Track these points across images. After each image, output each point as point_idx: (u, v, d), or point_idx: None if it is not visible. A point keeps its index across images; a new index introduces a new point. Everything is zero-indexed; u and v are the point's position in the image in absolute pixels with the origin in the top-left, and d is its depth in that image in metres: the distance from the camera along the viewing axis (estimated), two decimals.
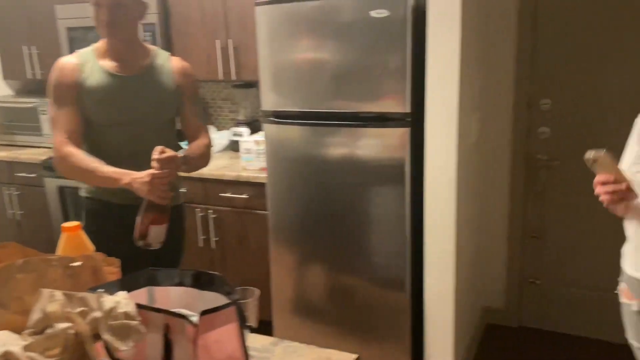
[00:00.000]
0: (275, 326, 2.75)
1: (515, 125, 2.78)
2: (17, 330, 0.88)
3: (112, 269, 1.06)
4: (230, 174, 2.82)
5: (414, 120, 2.24)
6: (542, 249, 2.87)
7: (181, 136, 2.06)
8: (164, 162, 1.65)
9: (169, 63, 1.95)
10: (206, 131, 2.06)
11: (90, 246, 1.38)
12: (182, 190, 2.09)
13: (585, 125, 2.65)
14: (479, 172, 2.73)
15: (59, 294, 0.84)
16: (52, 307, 0.81)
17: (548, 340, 2.87)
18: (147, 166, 1.71)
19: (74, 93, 1.79)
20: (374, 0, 2.16)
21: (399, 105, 2.22)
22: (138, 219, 1.67)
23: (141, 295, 1.04)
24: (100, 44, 1.86)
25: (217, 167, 2.93)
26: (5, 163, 3.53)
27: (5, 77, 3.75)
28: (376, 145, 2.31)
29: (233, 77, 3.00)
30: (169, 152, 1.67)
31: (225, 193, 2.85)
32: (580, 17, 2.57)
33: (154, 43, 3.08)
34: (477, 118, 2.53)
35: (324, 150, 2.42)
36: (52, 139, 1.85)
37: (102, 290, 0.93)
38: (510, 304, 2.99)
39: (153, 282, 1.04)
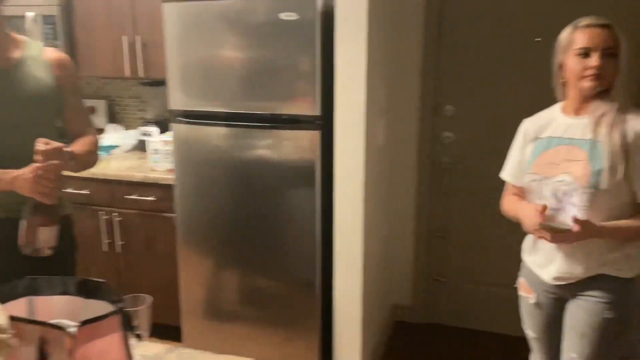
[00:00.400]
0: (184, 331, 2.68)
1: (421, 130, 2.89)
2: None
3: None
4: (137, 174, 2.71)
5: (325, 123, 2.27)
6: (447, 247, 3.01)
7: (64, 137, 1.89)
8: (49, 154, 1.49)
9: (43, 55, 1.76)
10: (93, 128, 1.90)
11: None
12: (69, 199, 1.90)
13: (486, 130, 2.80)
14: (386, 175, 2.82)
15: None
16: None
17: (455, 336, 3.00)
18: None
19: None
20: (283, 2, 2.17)
21: (310, 108, 2.24)
22: (23, 223, 1.51)
23: (20, 305, 0.97)
24: None
25: (124, 167, 2.81)
26: None
27: None
28: (287, 147, 2.31)
29: (141, 74, 2.89)
30: (54, 144, 1.50)
31: (131, 195, 2.74)
32: (483, 27, 2.73)
33: (54, 37, 2.91)
34: (384, 122, 2.61)
35: (234, 152, 2.39)
36: None
37: None
38: (417, 301, 3.10)
39: (34, 291, 0.97)
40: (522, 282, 1.76)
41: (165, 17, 2.37)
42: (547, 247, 1.61)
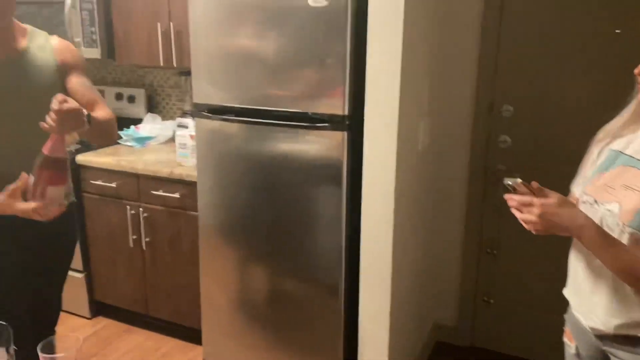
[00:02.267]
0: (204, 333, 2.55)
1: (474, 133, 2.56)
2: None
3: None
4: (163, 170, 2.58)
5: (353, 123, 2.02)
6: (497, 266, 2.67)
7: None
8: (64, 115, 1.37)
9: (48, 43, 1.71)
10: (104, 104, 1.78)
11: None
12: (72, 196, 1.83)
13: (549, 134, 2.44)
14: (429, 183, 2.52)
15: None
16: None
17: None
18: (30, 168, 1.45)
19: None
20: None
21: (337, 105, 2.00)
22: (31, 179, 1.41)
23: None
24: None
25: (152, 161, 2.69)
26: None
27: None
28: (312, 146, 2.09)
29: (175, 63, 2.76)
30: (72, 103, 1.39)
31: (157, 191, 2.62)
32: (551, 15, 2.35)
33: (92, 25, 2.83)
34: (426, 123, 2.31)
35: (257, 149, 2.19)
36: None
37: None
38: (461, 322, 2.80)
39: None
40: (566, 329, 1.44)
41: (190, 4, 2.20)
42: (586, 286, 1.29)
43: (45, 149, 1.37)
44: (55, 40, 1.74)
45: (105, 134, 1.74)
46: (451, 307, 2.81)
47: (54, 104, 1.35)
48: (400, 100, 1.89)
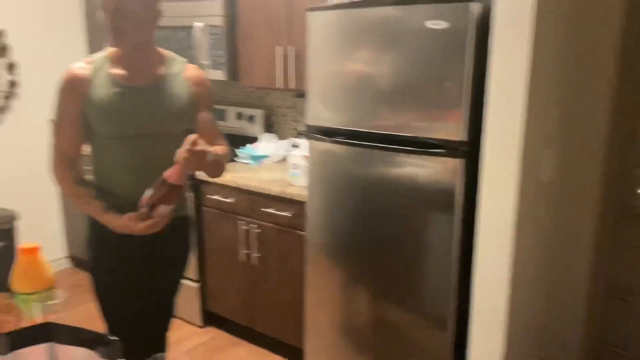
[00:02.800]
0: (307, 353, 2.54)
1: (608, 164, 2.31)
2: None
3: (8, 318, 0.90)
4: (275, 188, 2.64)
5: (471, 150, 1.92)
6: (629, 313, 2.38)
7: None
8: (194, 154, 1.49)
9: (183, 72, 1.80)
10: (224, 140, 1.89)
11: (46, 272, 1.26)
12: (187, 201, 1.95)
13: None
14: (554, 217, 2.31)
15: None
16: None
17: None
18: (151, 182, 1.58)
19: (78, 106, 1.69)
20: (433, 9, 1.87)
21: (454, 132, 1.91)
22: (148, 192, 1.57)
23: (39, 353, 0.87)
24: (114, 50, 1.73)
25: (266, 179, 2.77)
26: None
27: None
28: (424, 171, 2.01)
29: (292, 85, 2.83)
30: (202, 146, 1.49)
31: (269, 208, 2.68)
32: None
33: (218, 47, 3.00)
34: (553, 153, 2.12)
35: (368, 172, 2.16)
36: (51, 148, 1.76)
37: None
38: None
39: (51, 338, 0.87)
40: None
41: (310, 26, 2.24)
42: None
43: (167, 175, 1.47)
44: (191, 70, 1.83)
45: (217, 169, 1.84)
46: (572, 354, 2.54)
47: (187, 144, 1.44)
48: (523, 127, 1.75)
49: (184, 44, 3.06)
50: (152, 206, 1.56)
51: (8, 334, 0.85)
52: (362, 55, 2.10)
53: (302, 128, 3.12)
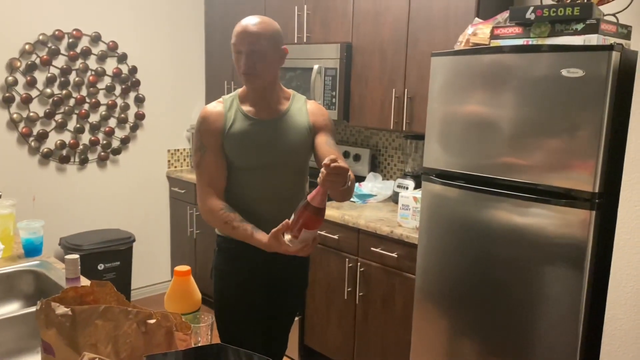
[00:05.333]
0: None
1: None
2: None
3: (183, 336, 0.97)
4: (384, 228, 2.65)
5: (604, 202, 1.83)
6: None
7: None
8: (333, 171, 1.50)
9: (305, 106, 1.92)
10: (345, 163, 1.93)
11: (196, 295, 1.34)
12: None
13: None
14: None
15: None
16: None
17: None
18: (283, 208, 1.73)
19: (218, 140, 1.81)
20: (570, 58, 1.84)
21: (585, 182, 1.84)
22: (293, 217, 1.57)
23: None
24: (244, 88, 1.88)
25: (373, 218, 2.79)
26: (189, 184, 3.88)
27: None
28: (548, 222, 1.94)
29: (404, 127, 2.86)
30: (342, 163, 1.52)
31: (376, 248, 2.69)
32: None
33: (333, 87, 3.11)
34: None
35: (486, 219, 2.12)
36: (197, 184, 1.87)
37: None
38: None
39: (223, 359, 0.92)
40: None
41: (432, 70, 2.27)
42: None
43: (310, 198, 1.51)
44: (310, 104, 1.95)
45: (348, 192, 1.86)
46: None
47: (327, 161, 1.49)
48: None
49: (302, 85, 3.20)
50: (297, 235, 1.56)
51: (184, 351, 0.91)
52: (485, 100, 2.09)
53: (409, 169, 3.13)
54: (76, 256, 1.30)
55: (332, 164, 1.44)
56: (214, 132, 1.82)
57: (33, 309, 1.59)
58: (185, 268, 1.32)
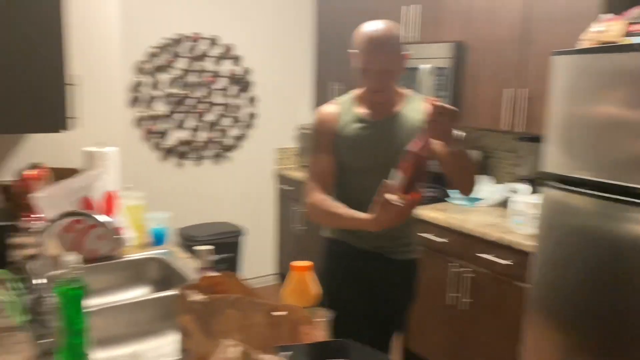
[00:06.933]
0: None
1: None
2: None
3: (308, 329, 1.00)
4: (493, 234, 2.55)
5: None
6: None
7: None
8: (440, 109, 1.47)
9: (420, 105, 1.87)
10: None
11: (314, 290, 1.37)
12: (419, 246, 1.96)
13: None
14: None
15: (235, 350, 0.81)
16: None
17: None
18: None
19: (331, 141, 1.84)
20: None
21: None
22: (395, 176, 1.52)
23: None
24: (359, 91, 1.88)
25: (482, 223, 2.69)
26: (296, 182, 3.98)
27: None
28: None
29: (520, 129, 2.74)
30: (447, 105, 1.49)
31: (484, 254, 2.59)
32: None
33: (442, 88, 3.05)
34: None
35: (615, 229, 1.96)
36: (307, 183, 1.91)
37: (289, 353, 0.87)
38: None
39: (346, 355, 0.94)
40: None
41: (554, 69, 2.15)
42: None
43: (413, 147, 1.48)
44: (425, 104, 1.90)
45: (466, 174, 1.80)
46: None
47: (430, 100, 1.44)
48: None
49: (410, 85, 3.16)
50: (404, 189, 1.50)
51: (306, 346, 0.94)
52: (616, 101, 1.94)
53: (523, 173, 2.98)
54: (210, 247, 1.38)
55: (437, 103, 1.39)
56: (328, 133, 1.85)
57: (163, 294, 1.72)
58: (305, 263, 1.36)
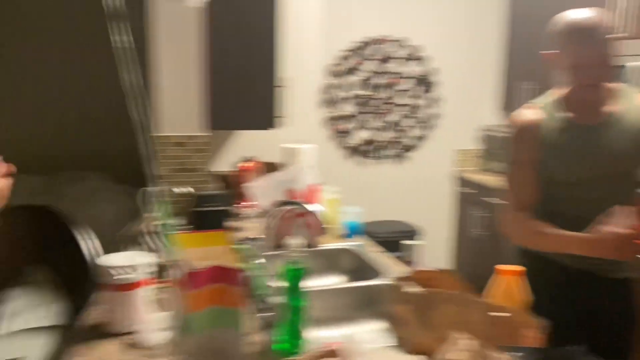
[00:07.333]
0: None
1: None
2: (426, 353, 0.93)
3: (531, 333, 0.98)
4: None
5: None
6: None
7: None
8: None
9: (635, 103, 1.62)
10: None
11: (523, 297, 1.33)
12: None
13: None
14: None
15: (467, 344, 0.83)
16: (453, 356, 0.82)
17: None
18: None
19: (533, 152, 1.65)
20: None
21: None
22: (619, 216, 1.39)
23: None
24: (561, 91, 1.68)
25: None
26: (477, 186, 3.87)
27: (504, 109, 4.07)
28: None
29: None
30: None
31: None
32: None
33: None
34: None
35: None
36: (504, 198, 1.73)
37: (520, 354, 0.88)
38: None
39: None
40: None
41: None
42: None
43: None
44: None
45: None
46: None
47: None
48: None
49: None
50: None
51: (539, 349, 0.92)
52: None
53: None
54: (423, 242, 1.39)
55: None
56: (530, 142, 1.66)
57: (358, 283, 1.82)
58: (514, 267, 1.33)
